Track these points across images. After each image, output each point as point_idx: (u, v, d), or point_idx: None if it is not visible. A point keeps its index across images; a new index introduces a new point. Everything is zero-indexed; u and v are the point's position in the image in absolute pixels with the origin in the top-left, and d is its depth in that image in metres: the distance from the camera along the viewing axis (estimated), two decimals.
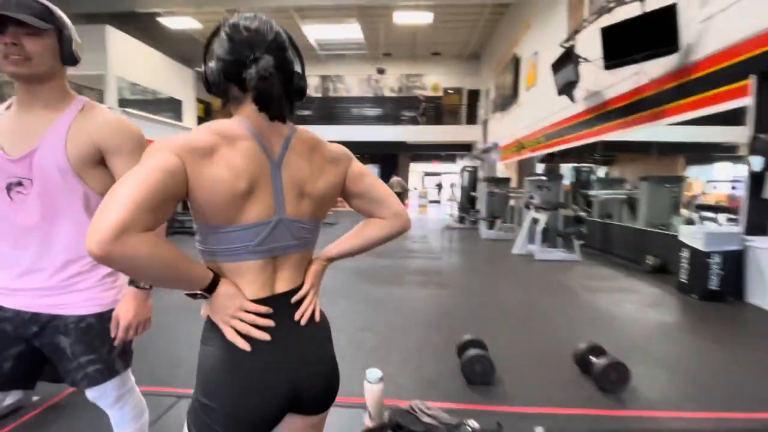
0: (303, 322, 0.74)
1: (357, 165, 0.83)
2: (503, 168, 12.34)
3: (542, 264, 5.39)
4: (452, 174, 19.93)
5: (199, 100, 16.76)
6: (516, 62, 10.85)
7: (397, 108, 17.28)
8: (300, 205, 0.72)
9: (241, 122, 0.69)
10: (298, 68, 0.72)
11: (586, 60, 5.79)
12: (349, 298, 3.59)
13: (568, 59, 5.82)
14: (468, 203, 10.26)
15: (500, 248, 6.76)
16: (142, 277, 0.78)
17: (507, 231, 8.01)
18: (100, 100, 11.29)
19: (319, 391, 0.76)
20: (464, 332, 2.39)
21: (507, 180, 8.84)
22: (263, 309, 0.69)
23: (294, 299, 0.74)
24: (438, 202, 19.30)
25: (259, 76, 0.63)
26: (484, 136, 14.70)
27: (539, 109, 9.24)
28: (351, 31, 12.84)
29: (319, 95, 17.39)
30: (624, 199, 7.34)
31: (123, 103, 11.27)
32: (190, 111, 14.64)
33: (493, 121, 13.83)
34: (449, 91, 17.75)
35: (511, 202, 8.38)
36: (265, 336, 0.69)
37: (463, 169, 10.61)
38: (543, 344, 2.64)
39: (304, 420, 0.79)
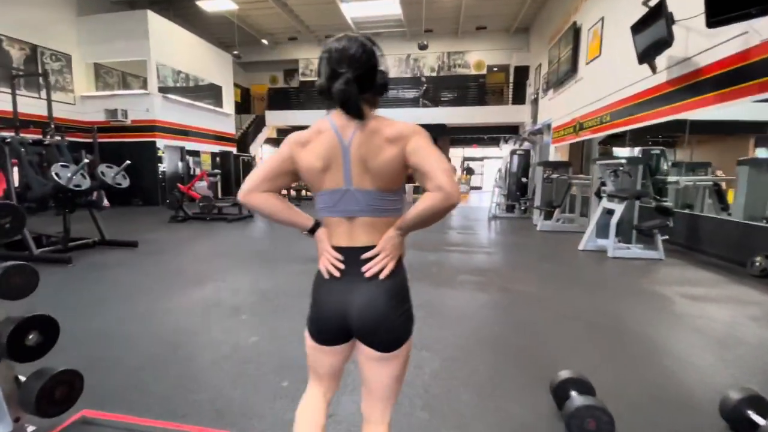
0: (368, 275, 0.94)
1: (415, 141, 0.89)
2: (554, 152, 11.30)
3: (618, 263, 4.62)
4: (495, 159, 18.83)
5: (236, 85, 16.75)
6: (575, 32, 9.68)
7: (437, 88, 16.38)
8: (364, 178, 0.91)
9: (329, 120, 0.95)
10: (381, 67, 0.94)
11: (675, 21, 4.81)
12: None
13: (655, 17, 4.87)
14: (518, 190, 9.41)
15: (561, 242, 5.99)
16: (266, 217, 0.99)
17: (567, 222, 7.17)
18: (144, 87, 11.40)
19: (367, 329, 0.95)
20: (547, 358, 1.82)
21: (567, 164, 7.91)
22: (336, 254, 0.97)
23: (363, 256, 0.94)
24: (479, 188, 18.32)
25: (336, 89, 0.87)
26: (533, 116, 13.55)
27: (604, 84, 8.15)
28: (389, 6, 12.04)
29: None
30: (710, 187, 6.29)
31: (164, 89, 11.33)
32: (228, 96, 14.61)
33: (544, 101, 12.66)
34: (494, 69, 16.56)
35: (572, 190, 7.47)
36: (336, 272, 0.96)
37: (513, 153, 9.71)
38: (664, 384, 2.00)
39: (372, 352, 0.97)
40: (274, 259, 4.62)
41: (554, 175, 7.40)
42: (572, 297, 3.44)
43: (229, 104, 14.58)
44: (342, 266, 0.95)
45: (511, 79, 15.66)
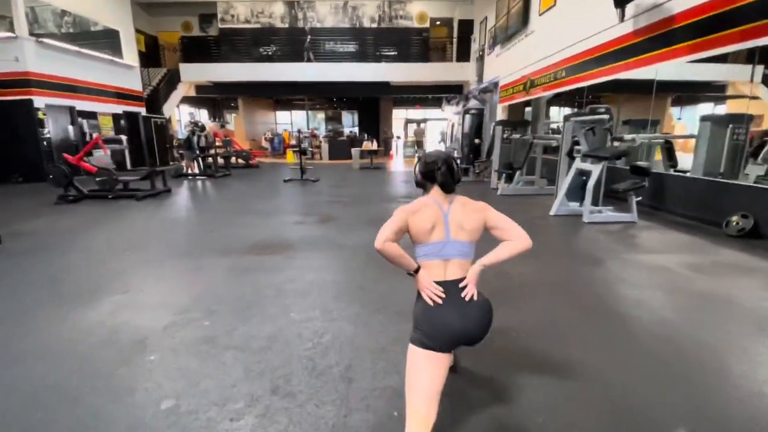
0: (467, 299, 1.30)
1: (491, 211, 1.42)
2: (500, 112, 10.96)
3: (595, 229, 4.28)
4: (437, 120, 18.29)
5: (139, 31, 13.92)
6: None
7: (377, 42, 15.08)
8: (459, 233, 1.35)
9: (431, 197, 1.42)
10: (455, 167, 1.45)
11: None
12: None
13: None
14: (471, 153, 8.92)
15: (529, 207, 5.59)
16: (390, 261, 1.29)
17: (528, 185, 6.83)
18: (11, 31, 8.70)
19: (479, 333, 1.30)
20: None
21: (527, 123, 7.47)
22: (439, 288, 1.31)
23: (461, 285, 1.33)
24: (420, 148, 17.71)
25: (441, 174, 1.41)
26: (478, 74, 13.03)
27: (559, 38, 7.71)
28: None
29: (285, 26, 14.82)
30: (662, 144, 6.24)
31: (42, 35, 8.79)
32: (129, 44, 11.99)
33: (491, 57, 12.14)
34: (437, 23, 15.59)
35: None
36: (439, 301, 1.29)
37: (467, 111, 9.10)
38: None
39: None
40: (198, 252, 3.56)
41: (514, 135, 6.94)
42: (563, 274, 2.94)
43: (130, 54, 12.04)
44: (443, 295, 1.30)
45: (455, 34, 14.85)
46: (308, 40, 14.02)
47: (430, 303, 1.28)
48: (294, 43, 14.59)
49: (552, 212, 4.94)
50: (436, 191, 1.41)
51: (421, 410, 1.19)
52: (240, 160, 12.53)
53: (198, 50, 14.88)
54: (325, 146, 16.28)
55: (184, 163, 10.41)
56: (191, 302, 2.47)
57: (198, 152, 10.00)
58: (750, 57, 4.73)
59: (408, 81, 14.85)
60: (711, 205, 4.42)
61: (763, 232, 3.82)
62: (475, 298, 1.31)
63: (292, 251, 3.55)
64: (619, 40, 5.91)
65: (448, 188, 1.40)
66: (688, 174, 5.14)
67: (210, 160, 9.95)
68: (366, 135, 16.18)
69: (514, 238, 1.36)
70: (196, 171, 10.09)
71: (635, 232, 4.17)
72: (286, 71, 14.31)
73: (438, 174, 1.39)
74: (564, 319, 2.26)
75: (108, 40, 11.37)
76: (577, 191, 5.09)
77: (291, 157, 15.47)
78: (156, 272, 3.06)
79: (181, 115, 17.28)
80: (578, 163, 4.78)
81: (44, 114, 8.82)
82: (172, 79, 14.41)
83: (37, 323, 2.22)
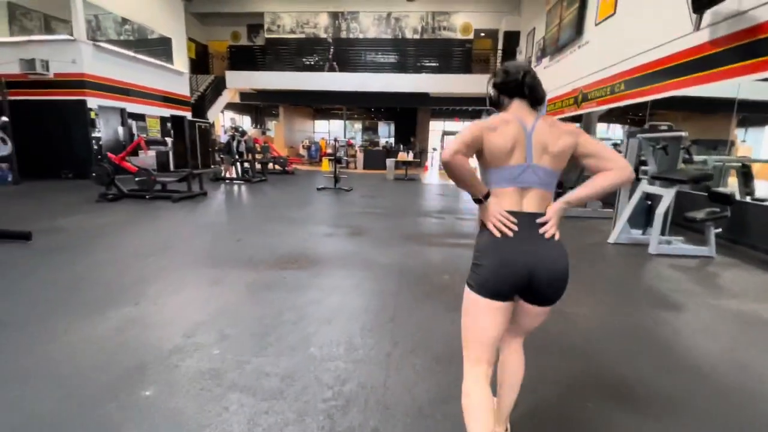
0: (547, 236, 1.10)
1: (586, 136, 1.15)
2: None
3: (666, 263, 3.70)
4: None
5: (191, 40, 14.52)
6: None
7: (418, 53, 14.88)
8: (542, 158, 1.12)
9: (510, 113, 1.17)
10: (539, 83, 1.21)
11: None
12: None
13: None
14: None
15: (582, 232, 5.03)
16: (457, 179, 1.09)
17: (580, 206, 6.23)
18: (70, 34, 9.25)
19: (548, 281, 1.08)
20: None
21: None
22: (511, 217, 1.10)
23: (539, 220, 1.11)
24: None
25: (530, 79, 1.18)
26: None
27: (618, 48, 7.12)
28: None
29: (328, 36, 14.94)
30: (738, 168, 5.48)
31: (101, 40, 9.28)
32: (180, 51, 12.50)
33: (538, 69, 11.58)
34: (481, 34, 15.21)
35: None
36: (509, 233, 1.09)
37: None
38: None
39: (536, 308, 1.16)
40: (221, 262, 3.35)
41: None
42: (634, 319, 2.44)
43: (181, 61, 12.52)
44: (516, 228, 1.09)
45: (500, 46, 14.39)
46: (331, 51, 14.05)
47: (498, 235, 1.09)
48: (337, 53, 14.69)
49: (611, 239, 4.37)
50: (518, 106, 1.18)
51: (477, 354, 1.14)
52: (277, 166, 12.62)
53: (244, 59, 15.33)
54: (360, 156, 16.18)
55: (222, 167, 10.58)
56: (204, 322, 2.21)
57: (237, 157, 10.11)
58: None
59: (448, 92, 14.52)
60: None
61: None
62: (557, 237, 1.11)
63: (320, 267, 3.26)
64: (692, 51, 5.28)
65: (538, 100, 1.18)
66: None
67: (247, 165, 10.01)
68: (401, 146, 15.92)
69: (615, 169, 1.08)
70: (234, 175, 10.19)
71: (716, 270, 3.55)
72: (326, 80, 14.40)
73: (525, 82, 1.16)
74: (652, 386, 1.79)
75: (161, 47, 11.87)
76: (639, 217, 4.50)
77: (326, 165, 15.51)
78: (174, 282, 2.85)
79: (225, 121, 17.84)
80: (645, 186, 4.20)
81: (96, 114, 9.22)
82: (218, 86, 14.89)
83: (37, 335, 2.03)
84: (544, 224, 1.10)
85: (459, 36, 14.78)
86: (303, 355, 1.89)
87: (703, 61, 5.07)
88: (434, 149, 18.72)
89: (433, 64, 14.85)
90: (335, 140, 10.81)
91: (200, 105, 14.04)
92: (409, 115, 18.91)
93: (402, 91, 14.40)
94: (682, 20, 5.34)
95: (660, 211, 3.85)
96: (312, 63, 15.02)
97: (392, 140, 19.92)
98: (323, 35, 14.98)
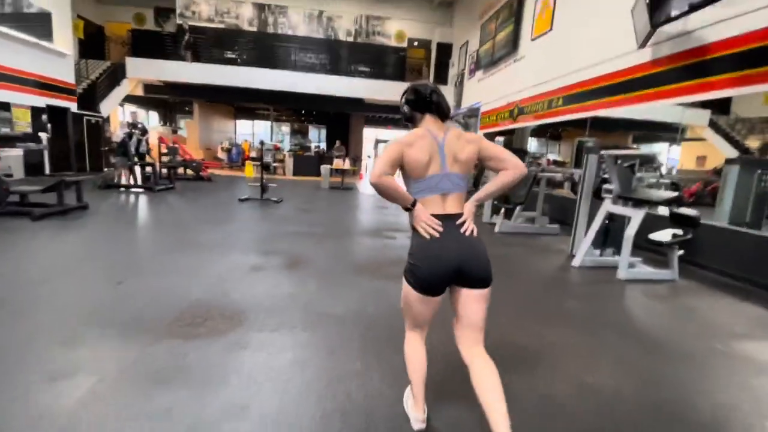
0: (467, 234, 1.33)
1: (486, 142, 1.38)
2: None
3: (639, 290, 3.41)
4: None
5: (81, 18, 12.06)
6: (519, 3, 8.57)
7: (352, 57, 14.19)
8: (454, 165, 1.34)
9: (423, 128, 1.38)
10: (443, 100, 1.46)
11: None
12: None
13: None
14: None
15: (538, 252, 4.68)
16: (386, 196, 1.30)
17: (529, 222, 5.98)
18: None
19: (476, 270, 1.31)
20: None
21: (524, 152, 6.72)
22: (436, 220, 1.31)
23: (459, 221, 1.34)
24: None
25: (437, 97, 1.42)
26: (456, 99, 12.47)
27: (555, 64, 7.16)
28: None
29: (254, 29, 13.57)
30: (667, 185, 5.68)
31: None
32: (63, 28, 10.14)
33: (472, 82, 11.64)
34: (414, 44, 15.05)
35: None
36: (435, 234, 1.30)
37: None
38: None
39: (473, 291, 1.34)
40: (81, 332, 2.20)
41: None
42: (642, 377, 1.95)
43: (63, 40, 10.19)
44: (441, 228, 1.31)
45: (433, 56, 14.33)
46: (187, 37, 12.63)
47: (427, 237, 1.31)
48: (262, 48, 13.37)
49: (576, 263, 4.04)
50: (429, 121, 1.41)
51: (413, 324, 1.47)
52: (189, 171, 10.89)
53: (150, 45, 13.19)
54: (289, 161, 14.93)
55: (115, 172, 8.65)
56: None
57: (136, 159, 8.36)
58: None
59: (382, 99, 14.06)
60: (761, 263, 3.71)
61: None
62: (475, 233, 1.35)
63: (244, 329, 2.29)
64: (634, 69, 5.32)
65: (444, 115, 1.42)
66: (721, 224, 4.49)
67: (149, 169, 8.31)
68: (336, 153, 15.02)
69: (510, 168, 1.33)
70: (131, 182, 8.40)
71: (674, 293, 3.33)
72: (250, 77, 13.01)
73: (432, 99, 1.40)
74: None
75: (37, 23, 9.51)
76: (598, 237, 4.27)
77: (250, 171, 13.90)
78: None
79: (125, 116, 15.26)
80: (608, 206, 3.95)
81: None
82: (116, 74, 12.56)
83: None
84: (464, 223, 1.35)
85: (393, 43, 14.43)
86: None
87: (647, 79, 5.11)
88: (369, 156, 18.13)
89: (367, 69, 14.28)
90: (261, 143, 9.57)
91: (90, 95, 11.66)
92: (341, 119, 18.11)
93: (335, 95, 13.60)
94: (626, 38, 5.37)
95: (630, 233, 3.58)
96: (235, 57, 13.45)
97: (324, 145, 18.93)
98: (248, 28, 13.54)
